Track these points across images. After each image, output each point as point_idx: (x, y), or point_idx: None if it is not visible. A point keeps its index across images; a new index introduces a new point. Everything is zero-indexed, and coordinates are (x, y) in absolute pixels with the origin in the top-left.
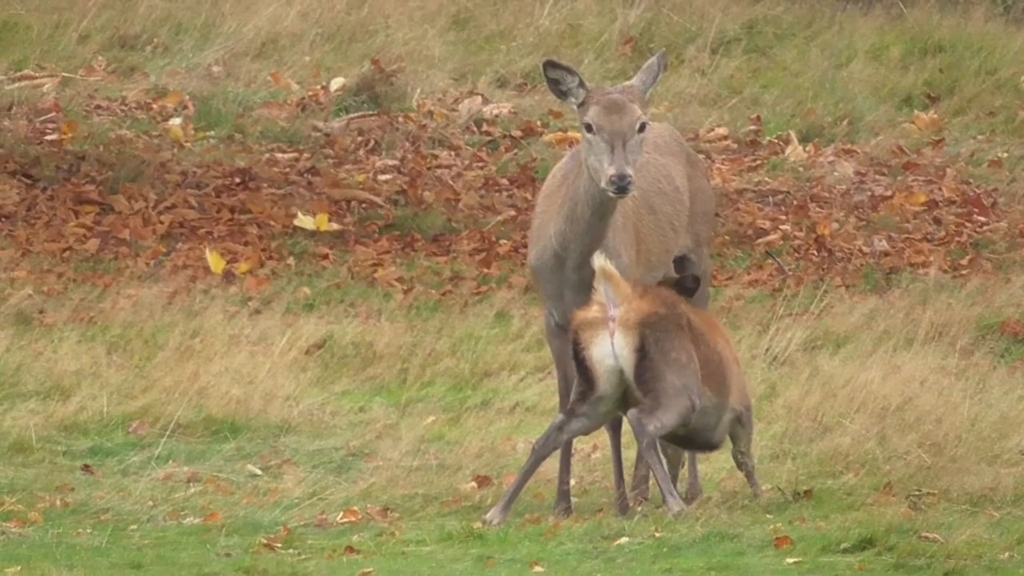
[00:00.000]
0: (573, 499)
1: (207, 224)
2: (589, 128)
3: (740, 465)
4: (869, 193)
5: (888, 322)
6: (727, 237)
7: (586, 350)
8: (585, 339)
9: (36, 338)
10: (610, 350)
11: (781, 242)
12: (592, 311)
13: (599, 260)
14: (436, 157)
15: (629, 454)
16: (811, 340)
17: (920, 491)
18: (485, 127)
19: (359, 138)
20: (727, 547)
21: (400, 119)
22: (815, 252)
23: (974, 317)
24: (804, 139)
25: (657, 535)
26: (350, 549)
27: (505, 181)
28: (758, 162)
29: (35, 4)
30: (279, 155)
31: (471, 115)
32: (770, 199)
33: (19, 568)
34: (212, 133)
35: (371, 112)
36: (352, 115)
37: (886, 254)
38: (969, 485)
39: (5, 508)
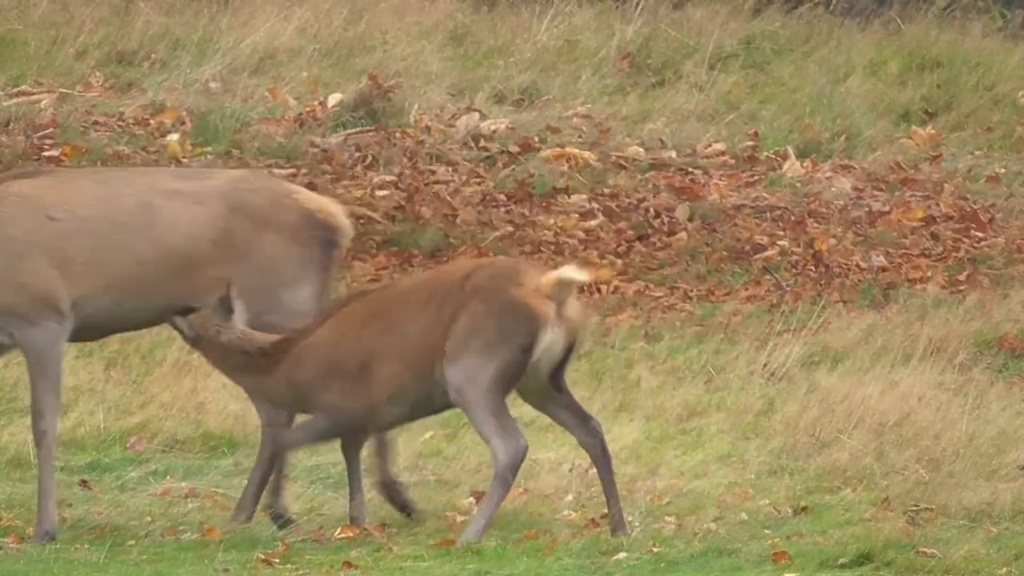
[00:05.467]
0: (570, 513)
1: None
2: None
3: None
4: (867, 209)
5: (886, 338)
6: (724, 253)
7: None
8: None
9: None
10: None
11: (779, 258)
12: None
13: None
14: (434, 173)
15: (632, 470)
16: (809, 356)
17: (918, 506)
18: (483, 143)
19: (357, 154)
20: (725, 562)
21: (398, 135)
22: (813, 268)
23: (972, 333)
24: (802, 155)
25: (655, 550)
26: (348, 564)
27: (503, 197)
28: (756, 178)
29: (32, 20)
30: (277, 170)
31: (469, 131)
32: (768, 215)
33: None
34: (210, 149)
35: (369, 128)
36: (350, 131)
37: (884, 269)
38: (967, 500)
39: (3, 523)
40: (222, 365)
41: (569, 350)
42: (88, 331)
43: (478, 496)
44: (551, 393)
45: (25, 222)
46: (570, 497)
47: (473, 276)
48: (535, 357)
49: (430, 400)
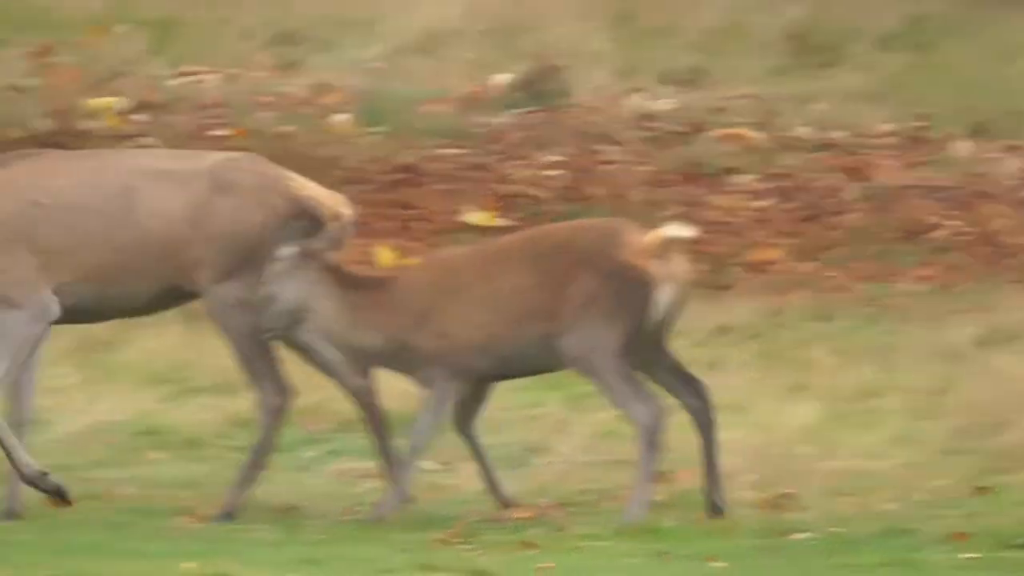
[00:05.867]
0: (748, 492)
1: (373, 220)
2: None
3: None
4: None
5: None
6: (895, 233)
7: None
8: None
9: (209, 334)
10: None
11: (950, 237)
12: None
13: None
14: (601, 153)
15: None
16: (983, 336)
17: None
18: (650, 123)
19: (524, 134)
20: (903, 542)
21: (565, 115)
22: (984, 248)
23: None
24: (971, 135)
25: (833, 530)
26: (525, 544)
27: (671, 177)
28: (924, 158)
29: (198, 0)
30: (444, 151)
31: (635, 111)
32: (938, 195)
33: (194, 564)
34: (376, 129)
35: (536, 108)
36: (517, 111)
37: None
38: None
39: (180, 503)
40: (315, 302)
41: (676, 307)
42: (79, 315)
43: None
44: (655, 354)
45: (9, 206)
46: (747, 477)
47: (575, 240)
48: (652, 318)
49: (524, 358)
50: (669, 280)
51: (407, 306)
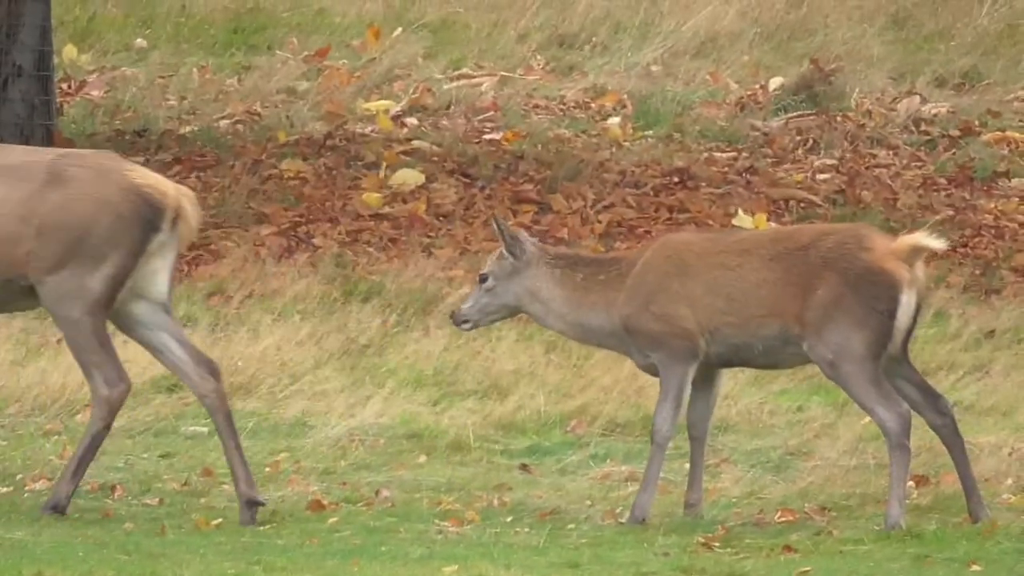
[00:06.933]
0: (1010, 496)
1: (645, 223)
2: None
3: None
4: None
5: None
6: None
7: None
8: None
9: (474, 337)
10: None
11: None
12: None
13: None
14: (874, 156)
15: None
16: None
17: None
18: (923, 127)
19: (797, 137)
20: None
21: (838, 119)
22: None
23: None
24: None
25: None
26: (787, 548)
27: (943, 181)
28: None
29: (474, 3)
30: (717, 154)
31: (909, 115)
32: None
33: (456, 567)
34: (650, 132)
35: (809, 111)
36: (791, 114)
37: None
38: None
39: (443, 507)
40: (545, 288)
41: (917, 313)
42: None
43: (918, 480)
44: (896, 364)
45: None
46: (1010, 481)
47: (818, 244)
48: (898, 321)
49: (750, 349)
50: (914, 285)
51: (632, 286)
